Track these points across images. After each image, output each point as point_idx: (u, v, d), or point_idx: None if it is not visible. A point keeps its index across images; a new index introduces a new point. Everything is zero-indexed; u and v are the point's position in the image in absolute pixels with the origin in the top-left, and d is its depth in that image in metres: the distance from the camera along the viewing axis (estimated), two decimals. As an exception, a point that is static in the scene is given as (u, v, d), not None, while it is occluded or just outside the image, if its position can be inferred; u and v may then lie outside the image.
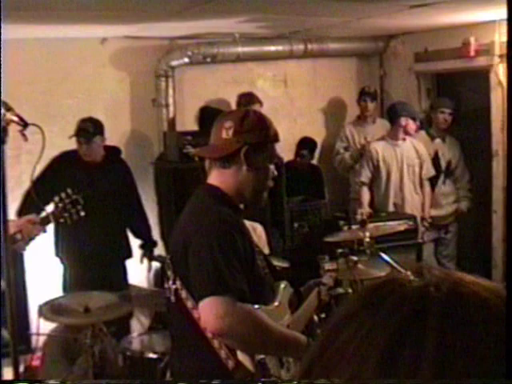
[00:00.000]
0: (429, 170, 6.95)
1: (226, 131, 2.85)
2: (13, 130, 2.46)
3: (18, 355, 2.52)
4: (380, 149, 6.88)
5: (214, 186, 2.90)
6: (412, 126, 6.79)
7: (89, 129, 5.73)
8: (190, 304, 2.75)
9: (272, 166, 2.96)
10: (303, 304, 3.18)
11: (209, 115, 6.64)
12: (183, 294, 2.77)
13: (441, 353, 0.75)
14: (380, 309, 0.81)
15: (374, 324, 0.80)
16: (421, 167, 6.89)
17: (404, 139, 6.85)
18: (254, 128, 2.87)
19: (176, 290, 2.80)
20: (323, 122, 8.12)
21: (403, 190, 6.89)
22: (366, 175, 6.92)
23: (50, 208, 3.71)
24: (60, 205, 3.65)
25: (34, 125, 2.42)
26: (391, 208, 6.90)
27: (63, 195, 3.66)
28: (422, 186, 6.96)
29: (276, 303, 2.94)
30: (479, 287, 0.82)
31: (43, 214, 3.66)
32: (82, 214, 3.67)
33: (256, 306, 2.74)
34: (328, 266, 4.37)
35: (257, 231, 5.36)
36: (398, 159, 6.84)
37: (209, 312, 2.62)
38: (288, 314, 2.99)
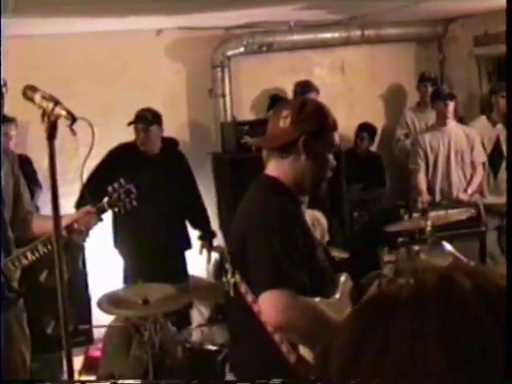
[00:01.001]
0: (479, 155, 6.81)
1: (283, 120, 2.78)
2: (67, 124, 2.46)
3: (70, 349, 2.51)
4: (427, 136, 6.82)
5: (272, 176, 2.84)
6: (451, 107, 6.71)
7: (147, 116, 5.74)
8: (249, 298, 2.69)
9: (331, 156, 2.88)
10: (364, 297, 3.11)
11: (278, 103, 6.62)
12: (242, 287, 2.71)
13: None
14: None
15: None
16: (471, 152, 6.77)
17: (446, 124, 6.77)
18: (311, 116, 2.80)
19: (235, 283, 2.75)
20: (382, 109, 8.02)
21: (450, 176, 6.80)
22: (418, 162, 6.84)
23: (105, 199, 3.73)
24: (114, 194, 3.66)
25: (82, 119, 2.40)
26: (438, 194, 6.81)
27: (116, 185, 3.67)
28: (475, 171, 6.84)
29: (337, 296, 2.87)
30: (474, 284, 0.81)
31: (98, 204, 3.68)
32: (135, 203, 3.68)
33: (317, 299, 2.68)
34: (388, 257, 4.30)
35: (319, 219, 5.30)
36: (444, 145, 6.76)
37: (269, 306, 2.56)
38: (349, 307, 2.92)
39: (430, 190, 6.84)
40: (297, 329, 2.62)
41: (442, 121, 6.79)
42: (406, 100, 7.98)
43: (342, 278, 2.98)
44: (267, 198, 2.78)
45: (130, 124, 5.75)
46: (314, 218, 4.76)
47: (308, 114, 2.79)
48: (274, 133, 2.85)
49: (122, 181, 3.73)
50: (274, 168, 2.84)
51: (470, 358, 0.75)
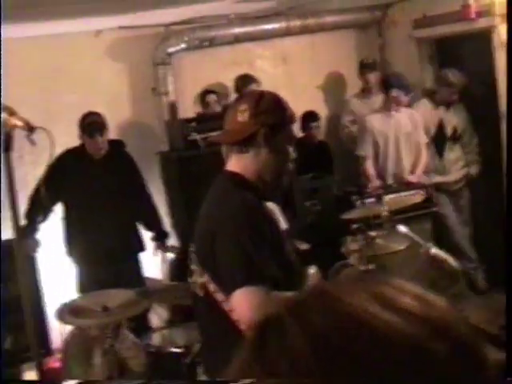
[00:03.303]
0: (422, 136, 6.90)
1: (241, 114, 2.75)
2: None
3: (41, 359, 2.45)
4: (376, 121, 6.86)
5: (233, 172, 2.81)
6: (403, 98, 6.79)
7: (101, 121, 5.65)
8: (219, 297, 2.66)
9: (291, 148, 2.86)
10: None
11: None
12: (211, 287, 2.68)
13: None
14: None
15: None
16: (415, 133, 6.87)
17: (397, 110, 6.82)
18: (270, 109, 2.77)
19: (203, 283, 2.72)
20: (326, 97, 8.01)
21: (401, 160, 6.87)
22: (366, 148, 6.87)
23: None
24: None
25: (41, 128, 2.32)
26: (390, 179, 6.85)
27: None
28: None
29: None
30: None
31: None
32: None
33: (288, 294, 2.62)
34: (352, 246, 4.29)
35: (274, 211, 5.26)
36: (393, 130, 6.83)
37: (243, 303, 2.52)
38: None
39: (380, 175, 6.88)
40: None
41: (388, 106, 6.83)
42: (348, 87, 7.98)
43: (311, 271, 2.95)
44: (231, 194, 2.74)
45: (91, 135, 5.59)
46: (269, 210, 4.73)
47: (266, 106, 2.77)
48: (232, 127, 2.82)
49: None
50: (235, 163, 2.82)
51: None
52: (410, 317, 0.78)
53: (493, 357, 0.81)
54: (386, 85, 6.91)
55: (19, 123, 2.32)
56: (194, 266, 2.80)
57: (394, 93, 6.74)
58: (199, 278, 2.74)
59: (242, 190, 2.74)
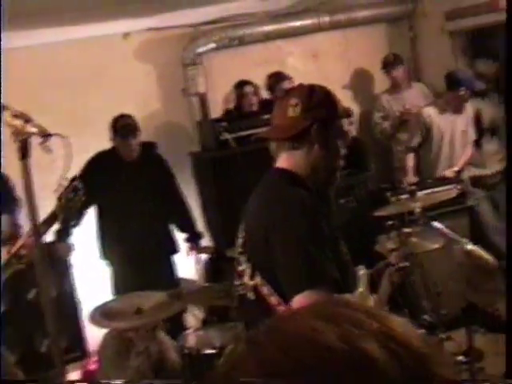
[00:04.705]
0: (472, 134, 6.73)
1: (292, 109, 2.64)
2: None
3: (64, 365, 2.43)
4: (434, 115, 6.63)
5: (285, 169, 2.69)
6: (468, 98, 6.53)
7: (134, 123, 5.65)
8: (273, 300, 2.53)
9: (342, 143, 2.74)
10: (380, 289, 2.98)
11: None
12: (265, 289, 2.55)
13: None
14: None
15: None
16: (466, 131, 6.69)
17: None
18: (322, 103, 2.66)
19: (255, 285, 2.60)
20: (358, 93, 7.94)
21: (453, 158, 6.69)
22: (416, 141, 6.73)
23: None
24: (62, 199, 3.46)
25: (57, 135, 2.28)
26: (438, 172, 6.69)
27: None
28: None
29: (360, 290, 2.75)
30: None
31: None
32: (83, 198, 3.46)
33: (347, 296, 2.52)
34: (390, 244, 4.22)
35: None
36: (450, 125, 6.62)
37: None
38: (371, 300, 2.79)
39: (428, 170, 6.77)
40: None
41: (455, 105, 6.59)
42: (380, 82, 7.89)
43: (361, 271, 2.85)
44: (287, 191, 2.62)
45: (123, 138, 5.60)
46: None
47: (318, 100, 2.66)
48: (283, 122, 2.71)
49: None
50: (286, 160, 2.70)
51: None
52: (358, 331, 0.79)
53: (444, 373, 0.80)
54: (453, 82, 6.53)
55: (34, 130, 2.29)
56: (242, 267, 2.69)
57: (462, 91, 6.46)
58: (250, 280, 2.62)
59: (297, 188, 2.61)
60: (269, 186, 2.73)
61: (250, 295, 2.63)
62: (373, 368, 0.75)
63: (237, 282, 2.74)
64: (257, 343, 0.82)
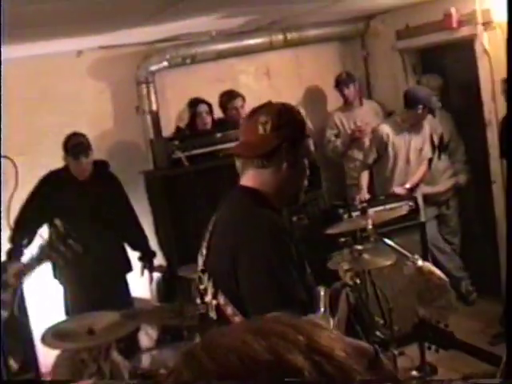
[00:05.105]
0: (428, 151, 6.78)
1: (262, 126, 2.59)
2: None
3: None
4: (390, 132, 6.64)
5: (251, 187, 2.65)
6: (426, 115, 6.51)
7: (86, 142, 5.61)
8: (237, 320, 2.47)
9: (307, 163, 2.72)
10: (338, 310, 2.99)
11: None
12: (229, 309, 2.51)
13: None
14: None
15: None
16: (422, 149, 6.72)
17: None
18: (291, 122, 2.64)
19: (218, 305, 2.55)
20: (310, 111, 7.97)
21: (408, 175, 6.72)
22: (372, 158, 6.75)
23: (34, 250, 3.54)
24: (47, 248, 3.44)
25: (5, 157, 2.27)
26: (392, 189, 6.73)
27: (52, 231, 3.45)
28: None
29: (322, 310, 2.75)
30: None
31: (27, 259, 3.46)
32: (79, 249, 3.43)
33: (311, 316, 2.46)
34: (346, 265, 4.25)
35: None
36: (405, 143, 6.65)
37: None
38: (331, 321, 2.80)
39: (381, 187, 6.81)
40: None
41: (408, 120, 6.61)
42: (332, 100, 7.95)
43: (322, 292, 2.85)
44: (255, 212, 2.58)
45: (75, 157, 5.56)
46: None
47: (288, 119, 2.63)
48: (252, 140, 2.66)
49: (57, 222, 3.56)
50: (252, 178, 2.66)
51: None
52: (285, 344, 0.87)
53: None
54: (412, 100, 6.49)
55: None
56: (204, 286, 2.64)
57: (420, 110, 6.43)
58: (213, 299, 2.58)
59: (265, 208, 2.59)
60: (235, 204, 2.69)
61: (212, 315, 2.59)
62: (297, 377, 0.82)
63: (198, 301, 2.70)
64: (192, 355, 0.89)
